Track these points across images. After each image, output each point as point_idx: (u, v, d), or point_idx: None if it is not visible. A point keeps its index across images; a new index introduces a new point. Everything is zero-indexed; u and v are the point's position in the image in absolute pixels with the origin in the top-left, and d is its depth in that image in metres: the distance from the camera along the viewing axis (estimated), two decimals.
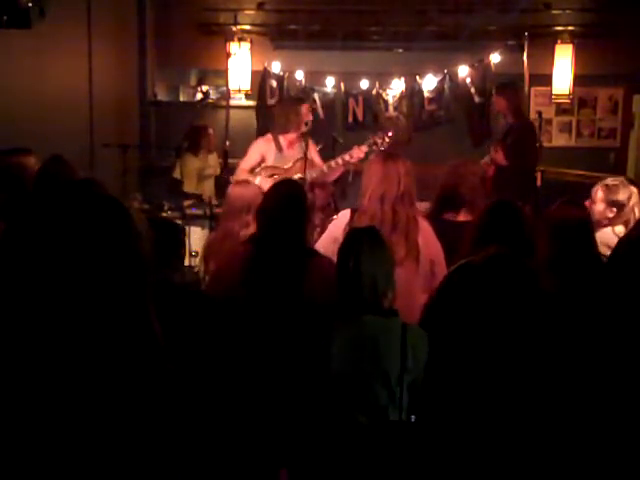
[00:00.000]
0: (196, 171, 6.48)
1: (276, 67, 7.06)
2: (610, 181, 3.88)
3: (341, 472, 2.51)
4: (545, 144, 6.55)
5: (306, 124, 5.09)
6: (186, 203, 5.92)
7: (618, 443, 2.46)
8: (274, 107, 6.92)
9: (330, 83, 7.12)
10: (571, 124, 7.84)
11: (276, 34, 7.35)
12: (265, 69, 7.09)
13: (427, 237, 3.36)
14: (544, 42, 7.10)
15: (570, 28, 7.18)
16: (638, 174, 7.29)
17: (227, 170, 6.20)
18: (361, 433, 2.50)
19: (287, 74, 7.08)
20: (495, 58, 6.77)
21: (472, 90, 6.93)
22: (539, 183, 5.40)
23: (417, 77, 7.07)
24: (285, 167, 5.23)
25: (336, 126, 6.84)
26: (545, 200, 4.62)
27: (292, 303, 2.81)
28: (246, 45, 7.15)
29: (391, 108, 7.08)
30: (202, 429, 1.41)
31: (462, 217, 3.78)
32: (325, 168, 5.18)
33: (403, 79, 7.04)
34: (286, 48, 7.35)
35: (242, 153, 6.22)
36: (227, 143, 6.37)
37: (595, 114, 7.81)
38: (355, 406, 2.52)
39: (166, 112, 7.62)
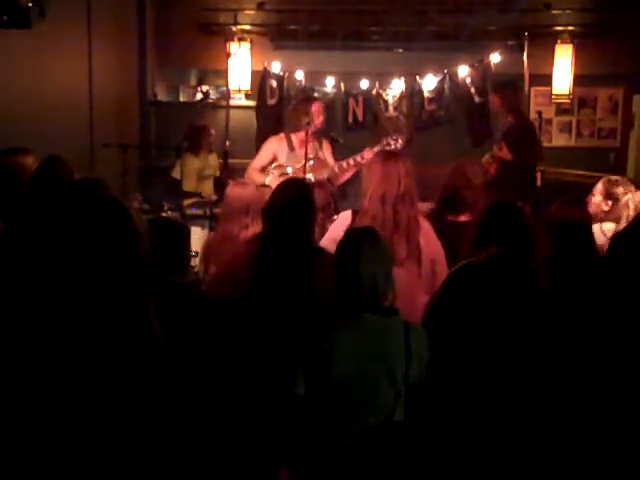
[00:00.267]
0: (196, 171, 6.48)
1: (276, 67, 7.06)
2: (613, 177, 3.91)
3: (343, 473, 2.51)
4: (545, 144, 6.56)
5: (307, 123, 5.08)
6: (186, 203, 5.92)
7: (618, 442, 2.46)
8: (274, 107, 6.93)
9: (330, 83, 7.12)
10: (571, 124, 7.84)
11: (276, 34, 7.35)
12: (265, 69, 7.08)
13: (428, 237, 3.36)
14: (544, 42, 7.09)
15: (570, 28, 7.18)
16: (638, 174, 7.29)
17: (227, 170, 6.21)
18: (365, 435, 2.49)
19: (287, 74, 7.07)
20: (495, 58, 6.76)
21: (472, 90, 6.92)
22: (539, 183, 5.40)
23: (417, 77, 7.05)
24: (296, 166, 5.25)
25: (336, 126, 6.83)
26: (545, 200, 4.62)
27: (301, 302, 2.80)
28: (246, 45, 7.14)
29: (391, 108, 7.07)
30: (200, 428, 1.41)
31: (464, 217, 3.78)
32: (336, 168, 5.19)
33: (403, 79, 7.02)
34: (286, 48, 7.35)
35: (242, 153, 6.25)
36: (227, 143, 6.37)
37: (595, 114, 7.81)
38: (362, 407, 2.51)
39: (166, 112, 7.62)
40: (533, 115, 6.83)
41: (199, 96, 7.83)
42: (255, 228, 3.65)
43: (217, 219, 4.47)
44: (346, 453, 2.50)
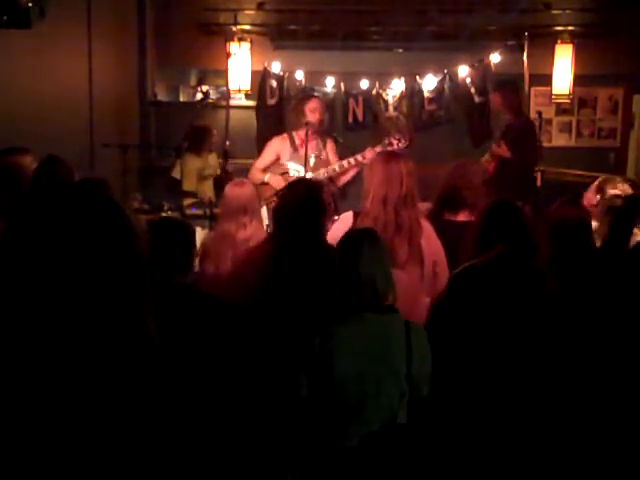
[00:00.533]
0: (196, 171, 6.48)
1: (276, 67, 7.06)
2: (613, 176, 3.94)
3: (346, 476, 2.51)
4: (545, 144, 6.56)
5: (306, 123, 5.07)
6: (186, 203, 5.92)
7: (621, 440, 2.46)
8: (274, 107, 6.93)
9: (330, 83, 7.11)
10: (571, 124, 7.84)
11: (276, 34, 7.35)
12: (265, 69, 7.08)
13: (429, 238, 3.36)
14: (544, 42, 7.10)
15: (570, 28, 7.18)
16: (638, 174, 7.29)
17: (226, 170, 6.21)
18: (368, 439, 2.49)
19: (287, 74, 7.07)
20: (495, 58, 6.76)
21: (472, 90, 6.92)
22: (539, 183, 5.40)
23: (417, 77, 7.05)
24: (298, 165, 5.25)
25: (336, 126, 6.83)
26: (545, 200, 4.62)
27: (313, 303, 2.79)
28: (246, 45, 7.14)
29: (391, 108, 7.06)
30: (199, 429, 1.41)
31: (462, 217, 3.78)
32: (337, 167, 5.18)
33: (403, 79, 7.02)
34: (286, 48, 7.35)
35: (242, 153, 6.25)
36: (227, 143, 6.38)
37: (595, 114, 7.81)
38: (365, 407, 2.51)
39: (166, 112, 7.62)
40: (533, 115, 6.82)
41: (199, 96, 7.83)
42: (253, 227, 3.64)
43: (217, 219, 4.46)
44: (349, 456, 2.50)
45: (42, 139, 4.52)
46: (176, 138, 6.54)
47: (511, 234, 2.80)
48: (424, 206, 3.84)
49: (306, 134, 5.03)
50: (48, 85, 5.44)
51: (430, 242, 3.36)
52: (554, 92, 7.18)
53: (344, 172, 5.25)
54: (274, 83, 7.05)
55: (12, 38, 4.61)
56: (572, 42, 7.07)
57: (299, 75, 7.01)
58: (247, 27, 7.24)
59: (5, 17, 4.10)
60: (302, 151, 5.26)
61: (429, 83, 7.00)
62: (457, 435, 2.59)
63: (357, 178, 5.45)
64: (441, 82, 7.02)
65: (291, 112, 5.39)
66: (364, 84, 7.13)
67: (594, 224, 3.66)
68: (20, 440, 1.26)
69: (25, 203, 3.58)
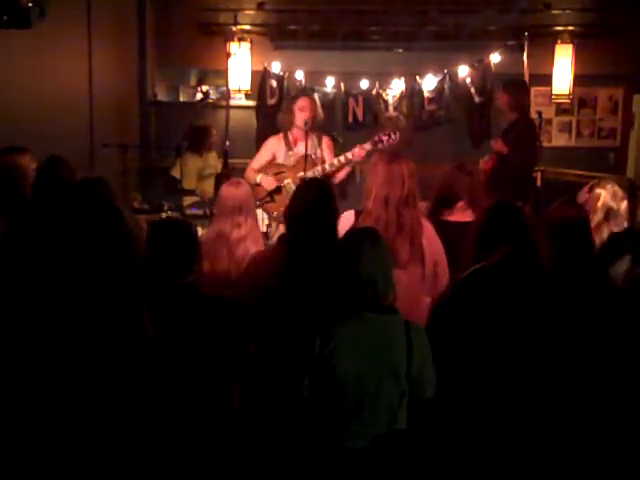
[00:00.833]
0: (196, 170, 6.48)
1: (276, 67, 7.06)
2: (610, 177, 3.96)
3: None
4: (545, 144, 6.54)
5: (306, 123, 5.07)
6: (186, 203, 5.93)
7: (627, 440, 2.46)
8: (274, 107, 6.93)
9: (330, 83, 7.12)
10: (571, 124, 7.84)
11: (276, 34, 7.35)
12: (265, 69, 7.08)
13: (430, 238, 3.36)
14: (544, 42, 7.09)
15: (570, 28, 7.18)
16: (638, 174, 7.29)
17: (227, 170, 6.21)
18: (371, 444, 2.49)
19: (287, 74, 7.07)
20: (495, 58, 6.76)
21: (472, 90, 6.92)
22: (539, 183, 5.40)
23: (417, 77, 7.06)
24: (291, 165, 5.25)
25: (336, 126, 6.83)
26: (545, 200, 4.62)
27: (325, 303, 2.78)
28: (246, 45, 7.14)
29: (391, 108, 7.07)
30: (195, 426, 1.42)
31: (458, 217, 3.81)
32: (327, 167, 5.18)
33: (403, 79, 7.03)
34: (286, 48, 7.35)
35: (242, 153, 6.25)
36: (227, 143, 6.37)
37: (595, 114, 7.81)
38: (365, 407, 2.51)
39: (166, 112, 7.62)
40: (533, 115, 6.81)
41: (199, 96, 7.83)
42: (248, 227, 3.63)
43: (212, 218, 4.46)
44: (349, 456, 2.50)
45: (42, 139, 4.52)
46: (176, 138, 6.55)
47: (513, 235, 2.80)
48: (422, 206, 3.85)
49: (305, 133, 5.03)
50: (48, 85, 5.44)
51: (431, 242, 3.36)
52: (554, 92, 7.18)
53: (337, 171, 5.23)
54: (274, 83, 7.05)
55: (12, 38, 4.61)
56: (572, 42, 7.06)
57: (299, 75, 7.01)
58: (247, 27, 7.24)
59: (5, 17, 4.11)
60: (296, 150, 5.25)
61: (429, 83, 7.01)
62: (460, 438, 2.59)
63: (356, 178, 5.45)
64: (441, 82, 7.02)
65: (288, 111, 5.38)
66: (364, 84, 7.13)
67: None
68: (19, 437, 1.27)
69: (27, 203, 3.59)
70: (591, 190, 3.79)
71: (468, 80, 6.92)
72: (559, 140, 7.81)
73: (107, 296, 1.34)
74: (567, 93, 7.16)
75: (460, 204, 3.85)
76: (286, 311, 2.86)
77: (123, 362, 1.33)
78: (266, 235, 5.30)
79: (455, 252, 3.30)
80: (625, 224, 3.74)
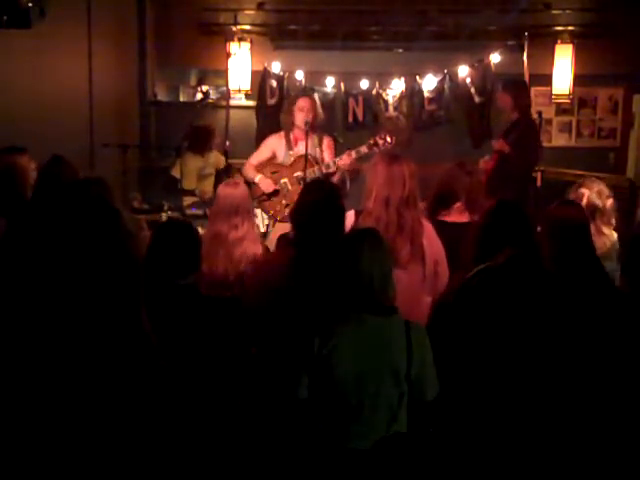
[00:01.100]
0: (197, 170, 6.48)
1: (276, 67, 7.06)
2: (598, 178, 3.98)
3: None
4: (545, 144, 6.55)
5: (306, 123, 5.07)
6: (186, 203, 5.93)
7: (632, 442, 2.46)
8: (274, 107, 6.94)
9: (330, 83, 7.12)
10: (571, 124, 7.84)
11: (276, 34, 7.35)
12: (265, 69, 7.08)
13: (430, 238, 3.37)
14: (544, 42, 7.10)
15: (570, 28, 7.18)
16: (638, 174, 7.29)
17: (229, 168, 6.22)
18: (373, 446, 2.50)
19: (287, 74, 7.07)
20: (495, 58, 6.76)
21: (472, 90, 6.92)
22: (539, 183, 5.40)
23: (417, 77, 7.05)
24: (288, 165, 5.25)
25: (336, 126, 6.83)
26: (545, 200, 4.62)
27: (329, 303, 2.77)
28: (246, 45, 7.15)
29: (391, 108, 7.07)
30: (193, 423, 1.42)
31: (455, 217, 3.81)
32: (323, 168, 5.18)
33: (403, 79, 7.03)
34: (286, 48, 7.35)
35: (242, 153, 6.24)
36: (227, 143, 6.37)
37: (595, 114, 7.81)
38: (365, 407, 2.51)
39: (166, 112, 7.62)
40: (533, 115, 6.82)
41: (199, 96, 7.83)
42: (245, 228, 3.62)
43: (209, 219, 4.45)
44: (349, 457, 2.50)
45: (42, 139, 4.53)
46: (176, 138, 6.56)
47: (518, 236, 2.79)
48: (421, 205, 3.86)
49: (305, 133, 5.03)
50: (48, 85, 5.44)
51: (431, 242, 3.36)
52: (554, 92, 7.18)
53: (331, 174, 5.24)
54: (274, 83, 7.05)
55: (12, 38, 4.61)
56: (572, 42, 7.07)
57: (299, 75, 7.01)
58: (247, 27, 7.24)
59: (5, 17, 4.11)
60: (296, 149, 5.26)
61: (429, 83, 7.01)
62: (463, 440, 2.59)
63: (358, 178, 5.45)
64: (441, 82, 7.02)
65: (289, 111, 5.38)
66: (364, 84, 7.13)
67: None
68: (18, 432, 1.27)
69: (27, 203, 3.59)
70: (577, 188, 3.81)
71: (468, 80, 6.92)
72: (559, 140, 7.81)
73: (105, 295, 1.34)
74: (567, 93, 7.16)
75: (457, 205, 3.85)
76: (291, 312, 2.86)
77: (121, 359, 1.33)
78: (265, 234, 5.31)
79: (451, 252, 3.31)
80: (613, 221, 3.74)
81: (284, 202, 5.21)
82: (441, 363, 2.59)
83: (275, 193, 5.27)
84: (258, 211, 5.59)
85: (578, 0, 7.37)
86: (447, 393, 2.60)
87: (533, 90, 7.40)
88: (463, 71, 6.93)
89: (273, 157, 5.36)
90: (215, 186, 6.36)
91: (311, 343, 2.53)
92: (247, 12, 7.23)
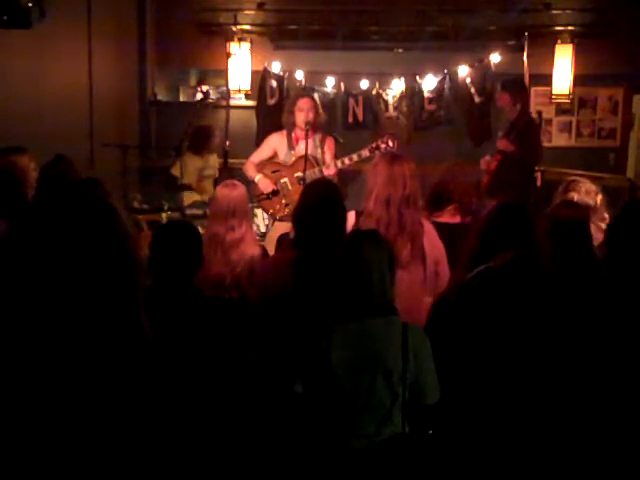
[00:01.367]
0: (196, 170, 6.48)
1: (276, 67, 7.06)
2: (578, 179, 3.98)
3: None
4: (545, 144, 6.55)
5: (307, 124, 5.07)
6: (186, 203, 5.92)
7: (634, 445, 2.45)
8: (274, 107, 6.94)
9: (330, 83, 7.12)
10: (571, 124, 7.84)
11: (276, 34, 7.35)
12: (265, 69, 7.08)
13: (431, 238, 3.37)
14: (544, 42, 7.10)
15: (570, 28, 7.17)
16: (638, 174, 7.28)
17: (226, 171, 6.21)
18: (373, 445, 2.50)
19: (287, 74, 7.07)
20: (495, 58, 6.77)
21: (472, 90, 6.93)
22: (539, 183, 5.40)
23: (417, 77, 7.06)
24: (289, 164, 5.25)
25: (336, 126, 6.83)
26: (545, 200, 4.62)
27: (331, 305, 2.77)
28: (246, 45, 7.15)
29: (391, 108, 7.08)
30: (189, 419, 1.42)
31: (445, 219, 3.82)
32: (324, 169, 5.18)
33: (403, 79, 7.03)
34: (286, 48, 7.35)
35: (242, 153, 6.24)
36: (227, 143, 6.37)
37: (595, 114, 7.81)
38: (358, 407, 2.52)
39: (166, 112, 7.62)
40: (533, 115, 6.83)
41: (199, 96, 7.82)
42: (242, 230, 3.61)
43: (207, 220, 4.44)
44: (346, 455, 2.50)
45: (42, 139, 4.52)
46: (176, 138, 6.54)
47: (520, 238, 2.79)
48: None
49: (306, 134, 5.03)
50: (48, 85, 5.44)
51: (432, 242, 3.36)
52: (554, 92, 7.18)
53: (331, 176, 5.24)
54: (274, 83, 7.06)
55: (12, 38, 4.61)
56: (572, 42, 7.07)
57: (299, 75, 7.01)
58: (247, 27, 7.24)
59: (5, 17, 4.10)
60: (297, 149, 5.26)
61: (429, 83, 7.01)
62: (464, 442, 2.58)
63: (358, 178, 5.44)
64: (441, 82, 7.03)
65: (288, 111, 5.38)
66: (364, 84, 7.13)
67: None
68: (17, 428, 1.27)
69: (28, 203, 3.59)
70: (565, 193, 3.80)
71: (468, 80, 6.93)
72: (559, 140, 7.81)
73: (103, 294, 1.34)
74: (567, 93, 7.16)
75: (450, 208, 3.87)
76: (293, 313, 2.86)
77: (118, 357, 1.33)
78: (265, 234, 5.31)
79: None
80: (606, 215, 3.74)
81: (284, 201, 5.22)
82: (440, 363, 2.59)
83: (275, 193, 5.27)
84: (258, 211, 5.60)
85: (578, 0, 7.36)
86: (447, 394, 2.60)
87: (533, 90, 7.41)
88: (463, 71, 6.93)
89: (274, 156, 5.36)
90: (215, 187, 6.36)
91: (308, 342, 2.54)
92: (247, 12, 7.23)
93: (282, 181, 5.27)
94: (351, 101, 7.14)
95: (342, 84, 7.13)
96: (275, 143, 5.38)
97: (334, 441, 2.53)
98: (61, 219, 1.36)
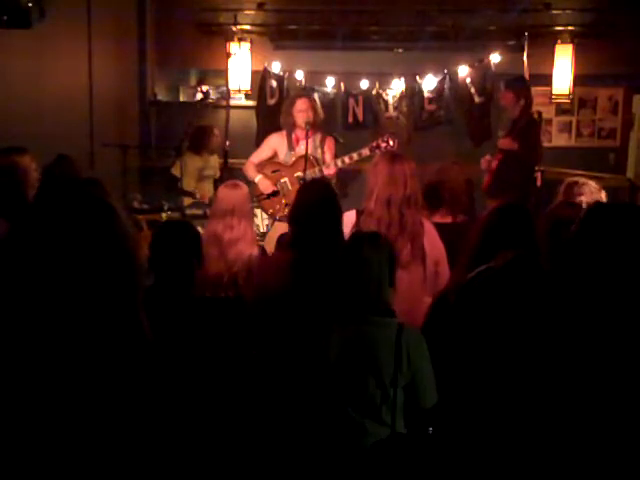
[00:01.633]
0: (196, 171, 6.48)
1: (276, 67, 7.06)
2: (575, 179, 3.97)
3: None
4: (545, 144, 6.55)
5: (307, 124, 5.07)
6: (186, 203, 5.93)
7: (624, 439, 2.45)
8: (274, 107, 6.93)
9: (330, 83, 7.12)
10: (571, 124, 7.84)
11: (276, 34, 7.35)
12: (265, 69, 7.08)
13: (431, 239, 3.36)
14: (544, 42, 7.09)
15: (570, 28, 7.17)
16: (638, 174, 7.29)
17: (227, 171, 6.21)
18: (369, 444, 2.50)
19: (287, 74, 7.07)
20: (495, 58, 6.77)
21: (472, 90, 6.93)
22: (539, 183, 5.40)
23: (417, 77, 7.06)
24: (289, 164, 5.26)
25: (336, 126, 6.83)
26: (545, 200, 4.62)
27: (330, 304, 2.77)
28: (246, 45, 7.15)
29: (391, 108, 7.07)
30: (186, 417, 1.42)
31: (436, 219, 3.83)
32: (324, 168, 5.19)
33: (403, 79, 7.03)
34: (286, 48, 7.35)
35: (242, 153, 6.24)
36: (227, 143, 6.37)
37: (595, 114, 7.81)
38: (350, 403, 2.53)
39: (166, 112, 7.62)
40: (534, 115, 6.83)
41: (199, 96, 7.82)
42: (241, 229, 3.62)
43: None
44: (348, 459, 2.51)
45: (42, 139, 4.52)
46: (176, 138, 6.54)
47: (521, 238, 2.79)
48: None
49: (306, 134, 5.04)
50: (48, 85, 5.44)
51: (432, 242, 3.36)
52: (554, 92, 7.18)
53: (331, 175, 5.25)
54: (274, 83, 7.06)
55: (12, 38, 4.61)
56: (572, 42, 7.07)
57: (299, 75, 7.01)
58: (247, 27, 7.24)
59: (5, 17, 4.10)
60: (297, 149, 5.26)
61: (429, 83, 7.01)
62: (460, 442, 2.58)
63: (359, 178, 5.45)
64: (441, 82, 7.02)
65: (286, 111, 5.39)
66: (364, 84, 7.13)
67: None
68: (15, 426, 1.27)
69: (29, 203, 3.59)
70: (570, 198, 3.78)
71: (468, 80, 6.93)
72: (559, 140, 7.81)
73: (102, 294, 1.34)
74: (567, 93, 7.16)
75: (441, 209, 3.88)
76: (289, 313, 2.86)
77: (118, 357, 1.33)
78: (265, 234, 5.31)
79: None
80: None
81: (284, 201, 5.22)
82: (439, 363, 2.59)
83: (275, 193, 5.27)
84: (258, 211, 5.60)
85: (578, 0, 7.36)
86: (446, 394, 2.60)
87: (533, 90, 7.40)
88: (463, 71, 6.93)
89: (274, 156, 5.37)
90: (215, 188, 6.36)
91: (307, 340, 2.54)
92: (247, 12, 7.23)
93: (282, 181, 5.27)
94: (351, 101, 7.14)
95: (342, 84, 7.13)
96: (275, 143, 5.38)
97: (332, 441, 2.53)
98: (60, 219, 1.36)
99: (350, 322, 2.57)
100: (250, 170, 5.34)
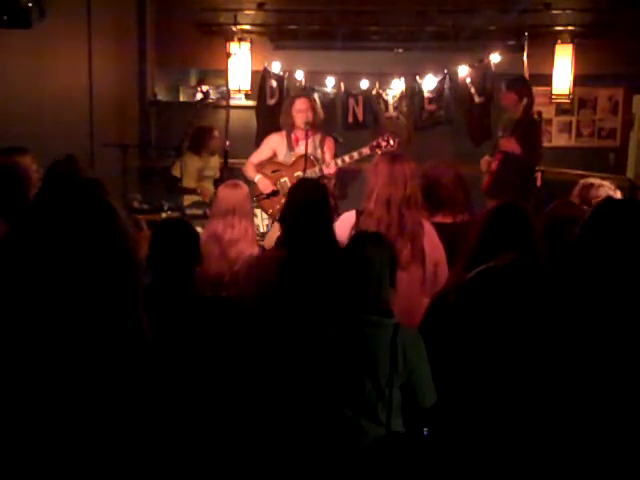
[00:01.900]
0: (197, 171, 6.48)
1: (276, 67, 7.06)
2: (590, 180, 3.96)
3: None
4: (545, 144, 6.55)
5: (307, 124, 5.07)
6: (186, 203, 5.93)
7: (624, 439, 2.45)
8: (274, 107, 6.94)
9: (330, 83, 7.12)
10: (571, 124, 7.84)
11: (276, 34, 7.35)
12: (265, 69, 7.08)
13: (431, 240, 3.36)
14: (544, 42, 7.09)
15: (570, 28, 7.17)
16: (638, 174, 7.29)
17: (227, 171, 6.21)
18: (366, 445, 2.50)
19: (287, 74, 7.07)
20: (495, 58, 6.77)
21: (472, 90, 6.93)
22: (539, 183, 5.40)
23: (417, 77, 7.06)
24: (289, 164, 5.26)
25: (336, 126, 6.83)
26: (545, 200, 4.62)
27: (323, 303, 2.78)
28: (246, 45, 7.15)
29: (391, 108, 7.07)
30: (185, 416, 1.43)
31: (437, 219, 3.82)
32: (324, 168, 5.19)
33: (403, 79, 7.03)
34: (286, 48, 7.35)
35: (242, 153, 6.24)
36: (227, 143, 6.38)
37: (595, 114, 7.81)
38: (346, 402, 2.53)
39: (166, 112, 7.62)
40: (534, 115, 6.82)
41: (199, 96, 7.82)
42: (241, 229, 3.62)
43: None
44: (346, 459, 2.51)
45: (42, 139, 4.52)
46: (176, 138, 6.55)
47: (521, 238, 2.78)
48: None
49: (305, 134, 5.04)
50: (48, 85, 5.44)
51: (432, 243, 3.36)
52: (554, 92, 7.18)
53: (331, 175, 5.24)
54: (274, 83, 7.06)
55: (12, 38, 4.61)
56: (572, 42, 7.07)
57: (299, 75, 7.01)
58: (247, 27, 7.24)
59: (5, 17, 4.10)
60: (297, 149, 5.26)
61: (429, 83, 7.01)
62: (458, 442, 2.58)
63: (358, 178, 5.45)
64: (441, 82, 7.02)
65: (286, 111, 5.39)
66: (364, 84, 7.13)
67: None
68: (15, 425, 1.27)
69: (30, 203, 3.59)
70: (586, 202, 3.76)
71: (468, 80, 6.93)
72: (559, 140, 7.81)
73: (102, 293, 1.34)
74: (567, 93, 7.16)
75: (441, 210, 3.87)
76: (281, 311, 2.86)
77: (117, 356, 1.34)
78: (265, 234, 5.31)
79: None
80: None
81: (283, 201, 5.22)
82: (437, 362, 2.59)
83: (275, 193, 5.27)
84: (258, 211, 5.61)
85: (578, 0, 7.36)
86: (445, 394, 2.60)
87: (533, 90, 7.40)
88: (463, 71, 6.93)
89: (274, 156, 5.37)
90: (215, 187, 6.36)
91: (300, 342, 2.55)
92: (247, 12, 7.23)
93: (282, 181, 5.27)
94: (351, 101, 7.14)
95: (342, 84, 7.13)
96: (275, 143, 5.39)
97: (328, 440, 2.53)
98: (60, 219, 1.36)
99: (347, 322, 2.57)
100: (250, 170, 5.35)
